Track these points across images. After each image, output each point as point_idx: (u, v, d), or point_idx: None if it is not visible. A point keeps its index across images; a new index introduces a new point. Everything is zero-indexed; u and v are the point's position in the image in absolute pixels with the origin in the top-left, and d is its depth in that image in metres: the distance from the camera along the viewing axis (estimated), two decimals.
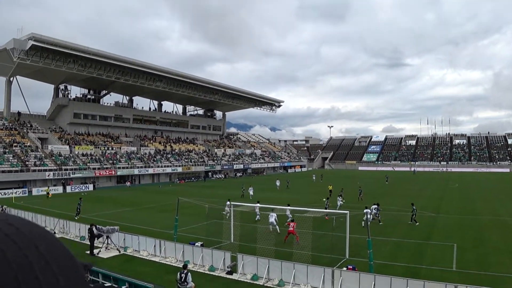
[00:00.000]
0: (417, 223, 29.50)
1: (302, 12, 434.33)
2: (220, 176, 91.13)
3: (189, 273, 15.81)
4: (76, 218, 33.28)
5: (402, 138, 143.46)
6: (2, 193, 51.76)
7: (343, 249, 20.92)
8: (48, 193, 53.04)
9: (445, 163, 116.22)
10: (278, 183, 61.82)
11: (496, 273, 18.10)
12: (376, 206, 31.34)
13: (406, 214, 33.35)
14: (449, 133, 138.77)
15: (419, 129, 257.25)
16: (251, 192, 48.07)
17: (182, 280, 15.53)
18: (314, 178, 79.04)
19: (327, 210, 29.25)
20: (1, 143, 62.13)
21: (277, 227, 27.15)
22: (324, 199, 38.29)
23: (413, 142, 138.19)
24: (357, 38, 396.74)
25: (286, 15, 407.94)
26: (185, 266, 16.27)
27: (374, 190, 55.04)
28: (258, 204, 30.66)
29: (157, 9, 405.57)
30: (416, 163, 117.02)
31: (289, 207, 29.03)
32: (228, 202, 30.01)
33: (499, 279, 17.06)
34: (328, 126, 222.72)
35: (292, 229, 23.45)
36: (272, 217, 27.31)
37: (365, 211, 27.86)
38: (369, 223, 22.90)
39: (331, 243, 22.12)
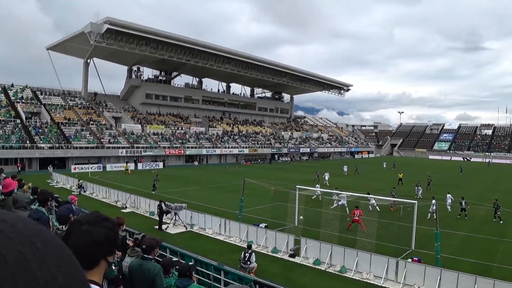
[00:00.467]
0: (501, 221, 27.56)
1: None
2: (286, 159, 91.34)
3: (253, 253, 16.14)
4: (152, 192, 35.45)
5: (477, 127, 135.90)
6: (79, 168, 54.97)
7: (409, 239, 20.37)
8: (127, 170, 55.83)
9: None
10: (345, 168, 60.98)
11: None
12: (450, 195, 30.77)
13: (478, 208, 32.07)
14: None
15: (496, 118, 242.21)
16: (326, 178, 46.35)
17: (246, 259, 15.88)
18: (385, 165, 75.49)
19: (394, 199, 28.50)
20: (79, 121, 65.94)
21: (347, 209, 27.74)
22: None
23: (489, 132, 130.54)
24: (432, 20, 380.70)
25: None
26: (249, 246, 16.61)
27: (445, 180, 52.98)
28: (336, 191, 30.26)
29: None
30: (492, 154, 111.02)
31: (371, 196, 28.78)
32: (318, 186, 30.45)
33: None
34: (398, 112, 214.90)
35: (357, 218, 23.18)
36: (344, 199, 28.32)
37: (433, 201, 26.97)
38: (435, 214, 21.88)
39: (397, 233, 21.65)
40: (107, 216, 1.75)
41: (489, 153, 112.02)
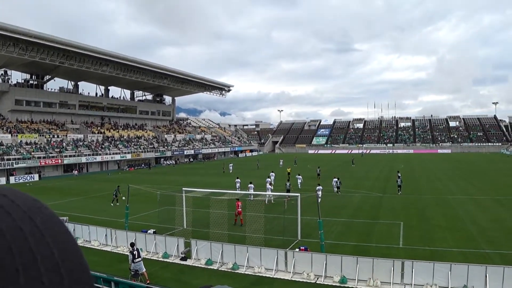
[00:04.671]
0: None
1: None
2: (170, 162, 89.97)
3: (139, 249, 15.80)
4: (112, 204, 33.93)
5: (350, 121, 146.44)
6: None
7: (295, 230, 21.38)
8: None
9: (391, 145, 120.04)
10: (231, 167, 61.99)
11: (439, 248, 19.09)
12: (336, 179, 36.97)
13: (354, 195, 34.84)
14: (395, 116, 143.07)
15: (366, 113, 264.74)
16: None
17: (136, 256, 15.41)
18: (281, 163, 72.41)
19: (279, 193, 29.78)
20: None
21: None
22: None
23: (361, 125, 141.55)
24: (307, 23, 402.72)
25: None
26: (132, 244, 16.22)
27: (328, 171, 56.06)
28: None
29: None
30: (364, 145, 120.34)
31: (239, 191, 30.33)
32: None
33: (441, 253, 18.02)
34: (278, 110, 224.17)
35: (240, 209, 23.98)
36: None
37: (317, 188, 30.60)
38: (319, 200, 23.79)
39: (283, 226, 22.51)
40: None
41: (361, 145, 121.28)
